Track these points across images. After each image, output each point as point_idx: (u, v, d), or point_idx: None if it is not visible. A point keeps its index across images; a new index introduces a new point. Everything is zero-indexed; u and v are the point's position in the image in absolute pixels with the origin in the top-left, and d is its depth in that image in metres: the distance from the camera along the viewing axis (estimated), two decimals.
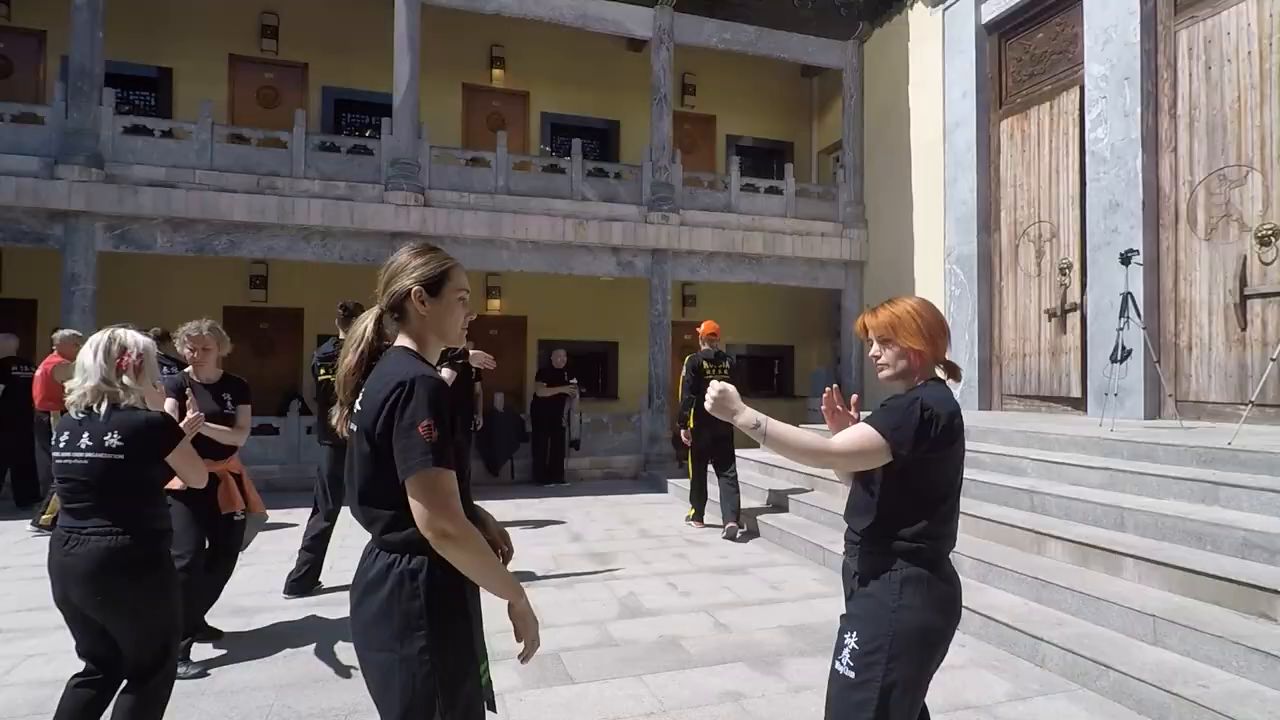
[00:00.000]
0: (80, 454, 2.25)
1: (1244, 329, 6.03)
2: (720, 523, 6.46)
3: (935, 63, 9.40)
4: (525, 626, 1.60)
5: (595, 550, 5.77)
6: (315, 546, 4.44)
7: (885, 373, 1.98)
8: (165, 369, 4.16)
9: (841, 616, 1.97)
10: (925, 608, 1.84)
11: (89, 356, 2.31)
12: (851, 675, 1.83)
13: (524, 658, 1.64)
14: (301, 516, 5.24)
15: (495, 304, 10.91)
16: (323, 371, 4.45)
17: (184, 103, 9.63)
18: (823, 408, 2.09)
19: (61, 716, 2.22)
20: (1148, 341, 6.14)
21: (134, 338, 2.38)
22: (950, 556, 1.95)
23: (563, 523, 6.86)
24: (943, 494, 1.89)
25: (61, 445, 2.28)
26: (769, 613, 4.23)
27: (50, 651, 3.47)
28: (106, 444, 2.25)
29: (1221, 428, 5.64)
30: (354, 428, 1.56)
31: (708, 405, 1.91)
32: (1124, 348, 5.74)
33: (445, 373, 4.34)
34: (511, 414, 9.36)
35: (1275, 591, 3.16)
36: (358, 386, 1.59)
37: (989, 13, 8.64)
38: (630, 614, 4.20)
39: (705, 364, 6.38)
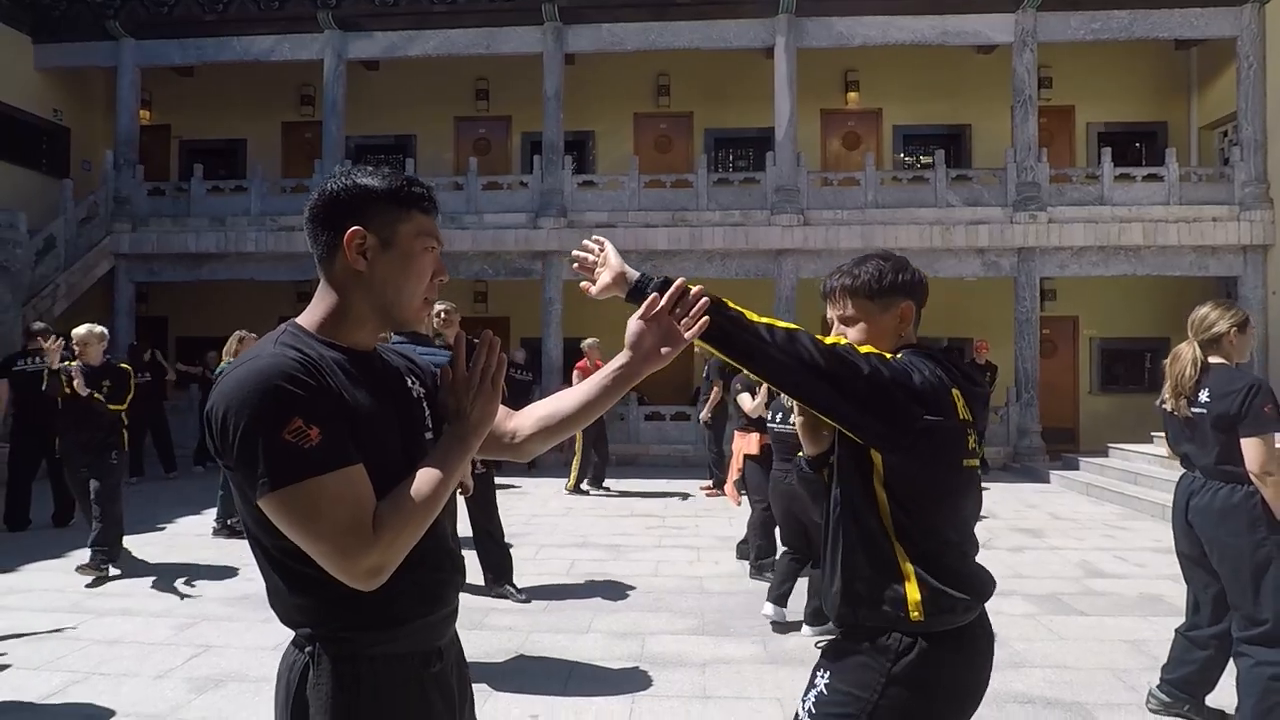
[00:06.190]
0: (786, 426, 3.73)
1: None
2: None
3: None
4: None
5: (1024, 527, 6.56)
6: None
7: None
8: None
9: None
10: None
11: None
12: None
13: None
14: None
15: None
16: None
17: (603, 157, 12.19)
18: None
19: None
20: None
21: None
22: None
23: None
24: None
25: (777, 420, 3.86)
26: None
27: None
28: (790, 420, 3.69)
29: None
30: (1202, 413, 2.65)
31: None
32: None
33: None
34: None
35: None
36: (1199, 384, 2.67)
37: None
38: (1094, 574, 4.99)
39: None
